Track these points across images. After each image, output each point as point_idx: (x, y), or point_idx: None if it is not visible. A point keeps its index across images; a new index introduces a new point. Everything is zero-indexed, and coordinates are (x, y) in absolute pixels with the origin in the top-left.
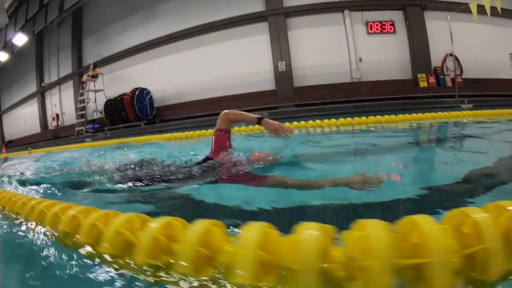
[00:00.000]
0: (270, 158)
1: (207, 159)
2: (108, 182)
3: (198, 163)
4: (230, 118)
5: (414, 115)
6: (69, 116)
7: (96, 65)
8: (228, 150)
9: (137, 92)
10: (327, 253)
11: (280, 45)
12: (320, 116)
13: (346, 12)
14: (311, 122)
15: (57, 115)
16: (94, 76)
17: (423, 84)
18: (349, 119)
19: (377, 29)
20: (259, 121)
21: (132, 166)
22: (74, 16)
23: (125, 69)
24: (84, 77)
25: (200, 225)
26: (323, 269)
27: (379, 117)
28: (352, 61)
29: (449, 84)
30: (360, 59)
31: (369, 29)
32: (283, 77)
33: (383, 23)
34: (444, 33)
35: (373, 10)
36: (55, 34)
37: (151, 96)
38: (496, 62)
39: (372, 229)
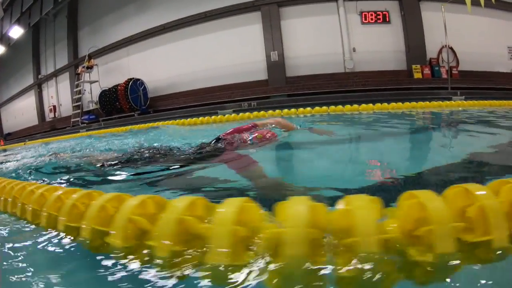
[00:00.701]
0: (269, 135)
1: (217, 138)
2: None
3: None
4: (282, 126)
5: (393, 104)
6: (66, 108)
7: (91, 56)
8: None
9: (130, 83)
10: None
11: (272, 35)
12: (312, 106)
13: (340, 1)
14: (301, 109)
15: (54, 106)
16: (89, 68)
17: (417, 75)
18: (339, 106)
19: (372, 19)
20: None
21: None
22: (69, 7)
23: (120, 59)
24: (79, 69)
25: (234, 203)
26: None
27: (363, 105)
28: (345, 51)
29: (444, 76)
30: (354, 49)
31: (363, 19)
32: (276, 67)
33: (377, 13)
34: (441, 24)
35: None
36: (51, 26)
37: (145, 86)
38: (493, 55)
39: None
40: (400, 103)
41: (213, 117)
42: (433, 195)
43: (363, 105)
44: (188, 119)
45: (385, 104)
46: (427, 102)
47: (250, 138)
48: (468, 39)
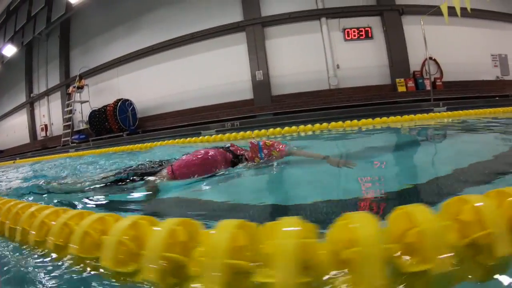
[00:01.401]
0: (281, 146)
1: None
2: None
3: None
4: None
5: (378, 119)
6: (57, 127)
7: (82, 76)
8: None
9: (119, 103)
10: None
11: (257, 55)
12: (297, 124)
13: (323, 19)
14: (286, 128)
15: (46, 125)
16: (80, 88)
17: (401, 88)
18: (325, 124)
19: (354, 35)
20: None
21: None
22: (62, 28)
23: (110, 80)
24: (70, 89)
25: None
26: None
27: (340, 122)
28: (329, 68)
29: (429, 87)
30: (338, 66)
31: (346, 35)
32: (261, 86)
33: (360, 29)
34: (423, 37)
35: (350, 16)
36: (44, 45)
37: (133, 107)
38: (477, 64)
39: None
40: (385, 118)
41: (198, 137)
42: (368, 218)
43: (347, 121)
44: (176, 140)
45: (370, 120)
46: (412, 115)
47: (259, 144)
48: (451, 50)
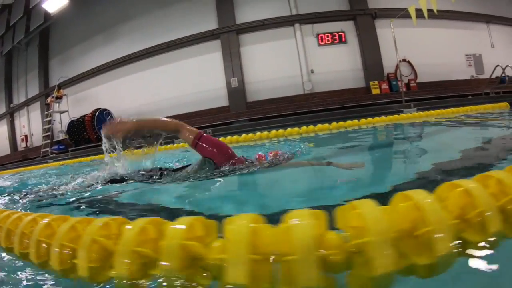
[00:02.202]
0: (283, 154)
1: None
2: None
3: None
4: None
5: (349, 121)
6: (38, 137)
7: (60, 86)
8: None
9: (97, 113)
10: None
11: (232, 62)
12: (272, 129)
13: (297, 25)
14: (258, 133)
15: (26, 136)
16: (59, 98)
17: (375, 91)
18: (296, 128)
19: (328, 40)
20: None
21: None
22: (41, 37)
23: (88, 89)
24: (49, 99)
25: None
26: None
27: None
28: (303, 73)
29: (403, 89)
30: (312, 71)
31: (320, 40)
32: (236, 93)
33: (334, 34)
34: (396, 40)
35: (323, 22)
36: (23, 55)
37: (111, 116)
38: (452, 64)
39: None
40: (355, 120)
41: (173, 145)
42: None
43: (319, 125)
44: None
45: (341, 122)
46: (383, 117)
47: (266, 156)
48: (425, 51)
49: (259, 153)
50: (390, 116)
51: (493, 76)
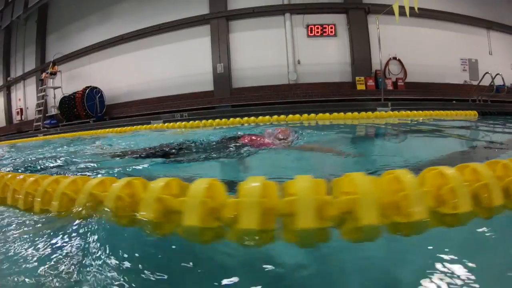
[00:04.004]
0: (290, 133)
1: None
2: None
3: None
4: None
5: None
6: (32, 111)
7: (55, 62)
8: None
9: (87, 91)
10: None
11: (219, 48)
12: (254, 116)
13: (287, 15)
14: (246, 118)
15: (21, 109)
16: (53, 74)
17: (360, 87)
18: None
19: (318, 32)
20: None
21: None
22: (39, 13)
23: (82, 67)
24: (43, 75)
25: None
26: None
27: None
28: (289, 64)
29: (390, 87)
30: (299, 62)
31: (309, 32)
32: (221, 78)
33: (324, 26)
34: (388, 37)
35: (315, 13)
36: (22, 30)
37: (101, 94)
38: (445, 67)
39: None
40: (327, 114)
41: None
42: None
43: (290, 115)
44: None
45: (313, 115)
46: (356, 113)
47: (274, 132)
48: (419, 51)
49: (268, 129)
50: (356, 113)
51: (482, 84)
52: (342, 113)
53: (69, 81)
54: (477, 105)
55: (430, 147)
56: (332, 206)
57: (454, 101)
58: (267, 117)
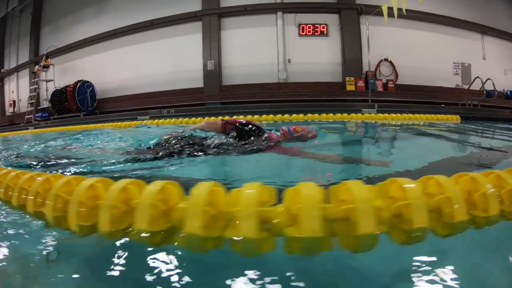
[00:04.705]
0: (310, 131)
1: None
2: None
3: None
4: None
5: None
6: (25, 104)
7: (48, 55)
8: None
9: (78, 85)
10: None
11: (211, 45)
12: (243, 114)
13: (280, 13)
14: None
15: (14, 101)
16: (46, 67)
17: (350, 87)
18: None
19: (309, 31)
20: None
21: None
22: (34, 5)
23: (75, 60)
24: (36, 67)
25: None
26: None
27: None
28: (280, 62)
29: (380, 89)
30: (289, 61)
31: (300, 31)
32: (211, 75)
33: (316, 25)
34: (380, 38)
35: (307, 12)
36: (17, 21)
37: (93, 88)
38: (437, 70)
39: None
40: (316, 114)
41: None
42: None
43: (264, 116)
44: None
45: (294, 115)
46: (343, 114)
47: (289, 130)
48: (411, 53)
49: (283, 127)
50: (339, 114)
51: (473, 88)
52: (324, 114)
53: (61, 75)
54: (466, 110)
55: (398, 152)
56: (386, 211)
57: (443, 105)
58: (256, 116)
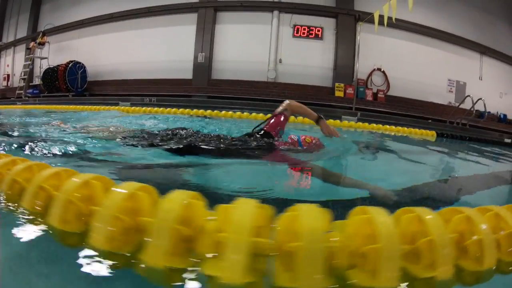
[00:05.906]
0: (318, 143)
1: (263, 131)
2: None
3: (250, 135)
4: (293, 109)
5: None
6: (18, 79)
7: (45, 33)
8: (280, 131)
9: (70, 65)
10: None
11: (203, 37)
12: (229, 109)
13: (276, 12)
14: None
15: (8, 75)
16: (41, 44)
17: (338, 93)
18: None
19: (304, 33)
20: (317, 120)
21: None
22: None
23: (70, 40)
24: (31, 44)
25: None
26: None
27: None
28: (270, 61)
29: (370, 98)
30: (280, 61)
31: (295, 32)
32: (201, 68)
33: (311, 28)
34: (375, 47)
35: (304, 14)
36: None
37: (84, 70)
38: (431, 85)
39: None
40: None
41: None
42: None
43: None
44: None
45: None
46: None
47: (299, 140)
48: (405, 65)
49: (292, 135)
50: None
51: (464, 107)
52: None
53: (56, 53)
54: (454, 128)
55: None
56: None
57: (429, 120)
58: (238, 112)
